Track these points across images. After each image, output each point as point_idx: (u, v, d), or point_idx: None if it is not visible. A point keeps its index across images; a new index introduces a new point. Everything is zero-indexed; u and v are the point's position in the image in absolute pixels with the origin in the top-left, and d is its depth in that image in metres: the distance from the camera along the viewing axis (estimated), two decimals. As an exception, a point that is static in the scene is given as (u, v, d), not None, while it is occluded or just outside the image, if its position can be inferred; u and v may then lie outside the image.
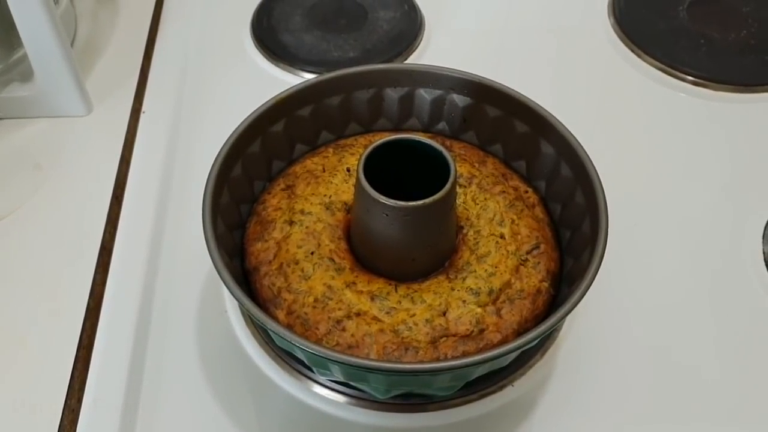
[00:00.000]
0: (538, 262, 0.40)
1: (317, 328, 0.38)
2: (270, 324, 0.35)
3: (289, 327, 0.38)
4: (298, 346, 0.34)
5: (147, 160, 0.54)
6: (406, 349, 0.37)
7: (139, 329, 0.44)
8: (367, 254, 0.40)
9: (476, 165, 0.45)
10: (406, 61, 0.61)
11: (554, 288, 0.41)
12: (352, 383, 0.39)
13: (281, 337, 0.35)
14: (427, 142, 0.38)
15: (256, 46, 0.62)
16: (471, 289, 0.39)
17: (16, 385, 0.42)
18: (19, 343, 0.43)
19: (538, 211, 0.43)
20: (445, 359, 0.37)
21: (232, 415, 0.41)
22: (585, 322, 0.45)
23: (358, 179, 0.37)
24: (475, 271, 0.40)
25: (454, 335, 0.38)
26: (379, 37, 0.63)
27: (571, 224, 0.42)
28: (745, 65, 0.61)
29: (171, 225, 0.50)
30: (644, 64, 0.61)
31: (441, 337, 0.37)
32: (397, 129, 0.48)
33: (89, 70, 0.59)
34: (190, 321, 0.45)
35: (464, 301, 0.38)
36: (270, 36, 0.63)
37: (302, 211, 0.42)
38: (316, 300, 0.38)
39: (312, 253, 0.40)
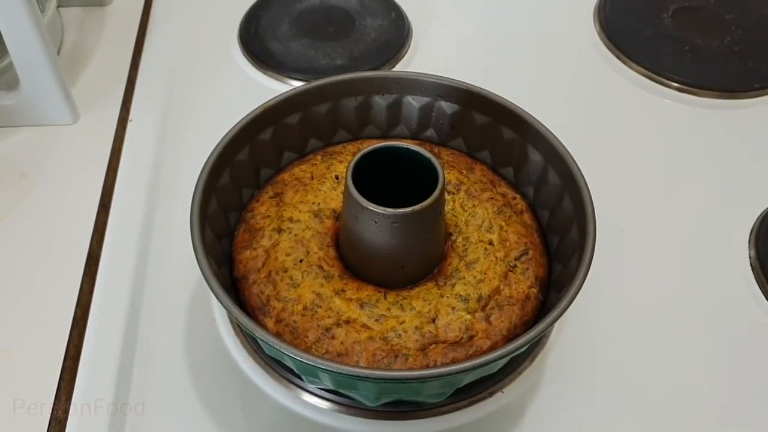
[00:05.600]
0: (527, 269, 0.41)
1: (306, 336, 0.38)
2: (259, 332, 0.35)
3: (278, 335, 0.38)
4: (287, 355, 0.34)
5: (134, 169, 0.53)
6: (396, 357, 0.37)
7: (127, 338, 0.44)
8: (356, 262, 0.40)
9: (464, 172, 0.45)
10: (393, 69, 0.62)
11: (543, 294, 0.41)
12: (341, 391, 0.39)
13: (270, 345, 0.34)
14: (415, 149, 0.38)
15: (243, 54, 0.62)
16: (460, 295, 0.39)
17: (1, 396, 0.41)
18: (5, 353, 0.43)
19: (527, 217, 0.43)
20: (435, 366, 0.37)
21: (222, 424, 0.41)
22: (574, 327, 0.45)
23: (346, 186, 0.37)
24: (464, 278, 0.40)
25: (443, 342, 0.38)
26: (367, 44, 0.63)
27: (559, 230, 0.42)
28: (729, 71, 0.61)
29: (158, 233, 0.50)
30: (629, 71, 0.62)
31: (430, 344, 0.37)
32: (385, 136, 0.48)
33: (76, 78, 0.59)
34: (178, 329, 0.45)
35: (453, 308, 0.38)
36: (257, 44, 0.63)
37: (291, 219, 0.42)
38: (305, 308, 0.38)
39: (301, 261, 0.40)
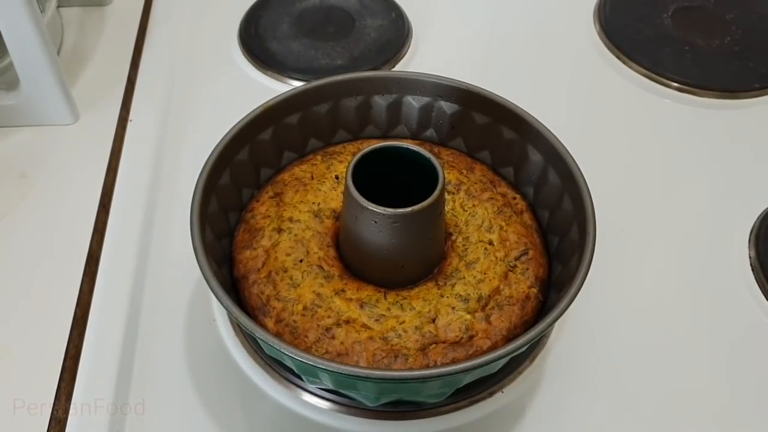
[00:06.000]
0: (527, 269, 0.41)
1: (306, 336, 0.38)
2: (259, 332, 0.35)
3: (278, 335, 0.38)
4: (287, 355, 0.34)
5: (134, 169, 0.53)
6: (396, 357, 0.37)
7: (127, 338, 0.44)
8: (356, 261, 0.40)
9: (464, 172, 0.45)
10: (393, 69, 0.62)
11: (543, 294, 0.41)
12: (341, 391, 0.39)
13: (270, 345, 0.34)
14: (415, 149, 0.38)
15: (243, 54, 0.62)
16: (460, 295, 0.39)
17: (1, 396, 0.41)
18: (5, 353, 0.43)
19: (527, 217, 0.43)
20: (435, 366, 0.37)
21: (222, 424, 0.41)
22: (574, 327, 0.45)
23: (346, 186, 0.37)
24: (464, 278, 0.40)
25: (443, 342, 0.38)
26: (367, 44, 0.63)
27: (559, 230, 0.42)
28: (729, 71, 0.61)
29: (158, 233, 0.50)
30: (629, 71, 0.62)
31: (430, 344, 0.37)
32: (385, 136, 0.48)
33: (76, 78, 0.59)
34: (178, 330, 0.45)
35: (453, 308, 0.38)
36: (257, 44, 0.63)
37: (291, 219, 0.42)
38: (305, 308, 0.38)
39: (301, 261, 0.40)
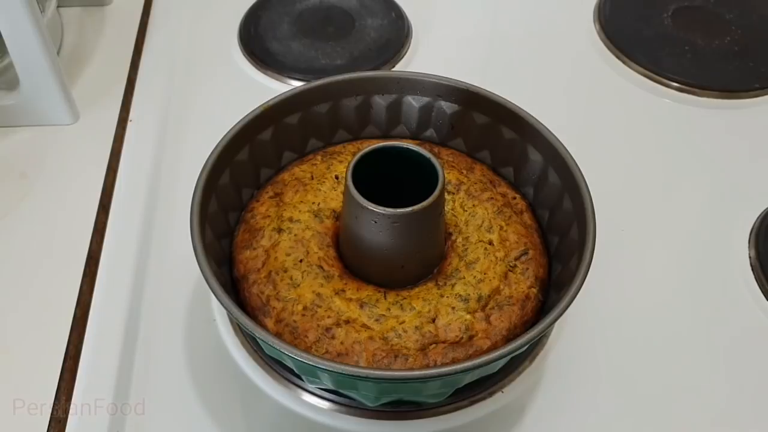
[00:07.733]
0: (527, 269, 0.41)
1: (306, 336, 0.38)
2: (259, 332, 0.35)
3: (278, 335, 0.38)
4: (287, 355, 0.34)
5: (134, 169, 0.53)
6: (396, 357, 0.37)
7: (127, 338, 0.44)
8: (356, 261, 0.40)
9: (464, 172, 0.45)
10: (393, 69, 0.62)
11: (543, 294, 0.41)
12: (341, 391, 0.39)
13: (270, 345, 0.34)
14: (415, 149, 0.38)
15: (243, 54, 0.62)
16: (460, 295, 0.39)
17: (1, 396, 0.41)
18: (5, 353, 0.43)
19: (527, 217, 0.43)
20: (435, 366, 0.37)
21: (222, 424, 0.41)
22: (574, 327, 0.45)
23: (346, 186, 0.37)
24: (464, 278, 0.40)
25: (443, 342, 0.38)
26: (367, 44, 0.63)
27: (559, 230, 0.42)
28: (729, 71, 0.61)
29: (158, 234, 0.50)
30: (629, 71, 0.62)
31: (430, 344, 0.37)
32: (385, 136, 0.48)
33: (76, 78, 0.59)
34: (178, 329, 0.45)
35: (453, 308, 0.38)
36: (258, 44, 0.63)
37: (291, 219, 0.42)
38: (305, 308, 0.38)
39: (301, 261, 0.40)
